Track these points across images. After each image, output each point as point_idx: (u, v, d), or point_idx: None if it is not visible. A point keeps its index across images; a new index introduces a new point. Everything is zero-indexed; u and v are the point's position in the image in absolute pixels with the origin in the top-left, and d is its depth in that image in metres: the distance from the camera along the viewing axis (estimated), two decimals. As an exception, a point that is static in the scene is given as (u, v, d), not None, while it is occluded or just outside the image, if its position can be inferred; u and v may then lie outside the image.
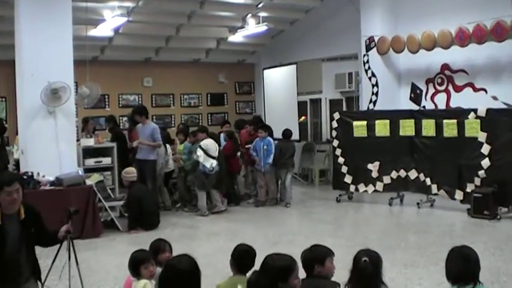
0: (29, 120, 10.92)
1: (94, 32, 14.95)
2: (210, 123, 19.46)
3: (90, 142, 12.45)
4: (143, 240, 9.16)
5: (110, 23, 14.80)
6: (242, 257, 5.08)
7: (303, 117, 18.49)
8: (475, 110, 11.89)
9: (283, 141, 14.42)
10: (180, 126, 15.52)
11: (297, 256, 4.52)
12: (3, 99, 16.27)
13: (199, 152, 12.75)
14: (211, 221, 12.37)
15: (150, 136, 12.64)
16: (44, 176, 10.59)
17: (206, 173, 12.78)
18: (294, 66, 17.62)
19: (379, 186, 13.50)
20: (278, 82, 18.40)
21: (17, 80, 11.26)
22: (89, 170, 12.01)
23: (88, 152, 12.34)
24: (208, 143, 12.99)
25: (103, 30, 15.38)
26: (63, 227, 5.62)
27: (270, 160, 13.61)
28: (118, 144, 13.20)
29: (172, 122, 19.01)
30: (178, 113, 19.51)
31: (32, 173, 10.51)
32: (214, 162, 12.85)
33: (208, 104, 20.19)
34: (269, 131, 14.27)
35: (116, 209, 12.13)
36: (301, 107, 18.17)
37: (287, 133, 14.49)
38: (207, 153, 12.79)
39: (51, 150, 10.79)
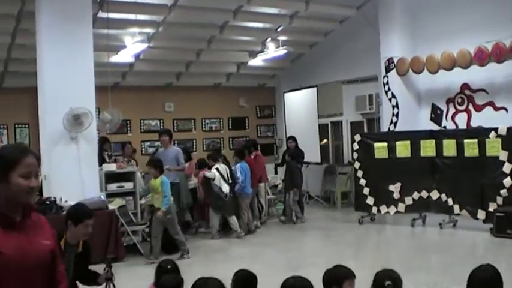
0: (51, 146, 10.99)
1: (115, 58, 15.11)
2: (231, 147, 19.52)
3: (112, 167, 12.50)
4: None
5: (130, 49, 14.96)
6: (243, 281, 5.17)
7: (325, 140, 18.48)
8: (495, 129, 11.84)
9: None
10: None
11: (319, 279, 4.53)
12: (26, 126, 16.46)
13: (216, 173, 12.75)
14: (234, 244, 12.36)
15: (175, 159, 12.68)
16: (66, 201, 10.48)
17: (222, 197, 12.74)
18: (314, 89, 17.70)
19: (401, 207, 13.43)
20: (299, 105, 18.45)
21: (39, 107, 11.40)
22: (111, 195, 12.02)
23: (110, 177, 12.38)
24: (222, 167, 13.01)
25: (124, 57, 15.54)
26: (103, 273, 5.60)
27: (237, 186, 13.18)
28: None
29: (194, 147, 19.12)
30: (200, 137, 19.62)
31: (54, 198, 10.56)
32: (228, 188, 12.85)
33: (230, 128, 20.28)
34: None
35: (138, 233, 12.19)
36: (322, 129, 18.17)
37: None
38: (222, 177, 12.81)
39: (73, 175, 10.85)
